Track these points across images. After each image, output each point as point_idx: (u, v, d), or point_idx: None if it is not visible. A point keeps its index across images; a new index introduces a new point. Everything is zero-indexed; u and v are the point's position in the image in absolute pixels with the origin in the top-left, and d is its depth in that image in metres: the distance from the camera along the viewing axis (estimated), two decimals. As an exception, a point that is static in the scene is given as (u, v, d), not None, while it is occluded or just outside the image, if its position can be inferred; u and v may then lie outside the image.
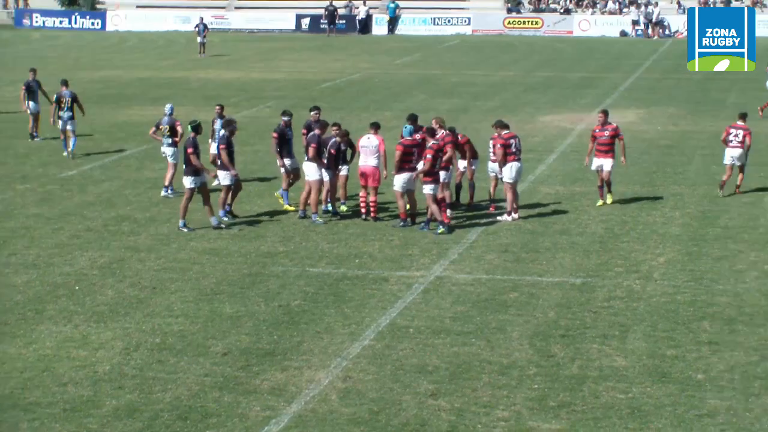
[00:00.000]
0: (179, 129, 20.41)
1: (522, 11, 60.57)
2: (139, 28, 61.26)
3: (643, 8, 57.31)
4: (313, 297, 14.40)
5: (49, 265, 15.90)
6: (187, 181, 17.51)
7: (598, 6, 59.91)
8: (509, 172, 18.12)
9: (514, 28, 58.91)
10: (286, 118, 19.15)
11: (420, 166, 17.51)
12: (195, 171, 17.45)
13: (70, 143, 24.38)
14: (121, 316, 13.62)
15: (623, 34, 56.89)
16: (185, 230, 17.51)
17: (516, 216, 18.25)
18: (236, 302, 14.16)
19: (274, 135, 18.98)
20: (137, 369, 11.87)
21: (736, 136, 20.22)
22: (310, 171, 18.03)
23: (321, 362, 12.06)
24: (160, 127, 20.59)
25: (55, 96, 24.85)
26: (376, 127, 18.53)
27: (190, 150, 17.57)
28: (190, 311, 13.81)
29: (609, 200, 19.29)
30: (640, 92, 35.46)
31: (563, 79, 39.11)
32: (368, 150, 18.08)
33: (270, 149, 19.74)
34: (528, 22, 59.10)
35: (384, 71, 41.95)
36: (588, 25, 58.07)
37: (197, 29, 48.07)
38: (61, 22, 63.43)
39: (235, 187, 18.36)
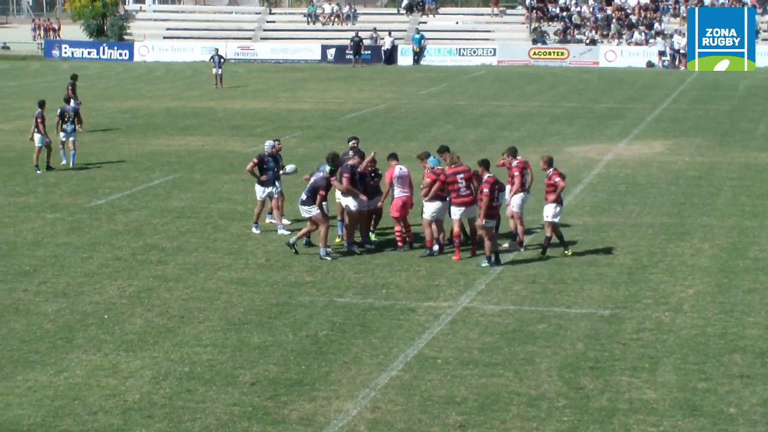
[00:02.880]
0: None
1: (547, 42, 60.73)
2: (166, 59, 61.88)
3: (668, 39, 57.33)
4: (340, 327, 14.43)
5: (78, 294, 16.03)
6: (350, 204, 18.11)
7: (624, 37, 60.00)
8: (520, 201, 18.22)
9: (539, 58, 59.04)
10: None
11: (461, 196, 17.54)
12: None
13: (71, 156, 26.48)
14: (150, 345, 13.70)
15: (650, 64, 56.85)
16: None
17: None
18: (264, 332, 14.21)
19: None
20: (166, 398, 11.93)
21: None
22: (349, 202, 18.15)
23: (349, 393, 12.07)
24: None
25: (59, 110, 26.89)
26: (395, 157, 18.56)
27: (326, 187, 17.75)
28: (218, 341, 13.87)
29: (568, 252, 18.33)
30: (668, 123, 35.39)
31: (589, 110, 39.10)
32: (404, 180, 18.15)
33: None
34: (554, 52, 59.22)
35: (410, 101, 42.10)
36: (614, 55, 58.09)
37: (212, 61, 47.68)
38: (89, 53, 64.18)
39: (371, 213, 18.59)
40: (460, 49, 60.50)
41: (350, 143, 19.43)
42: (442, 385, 12.28)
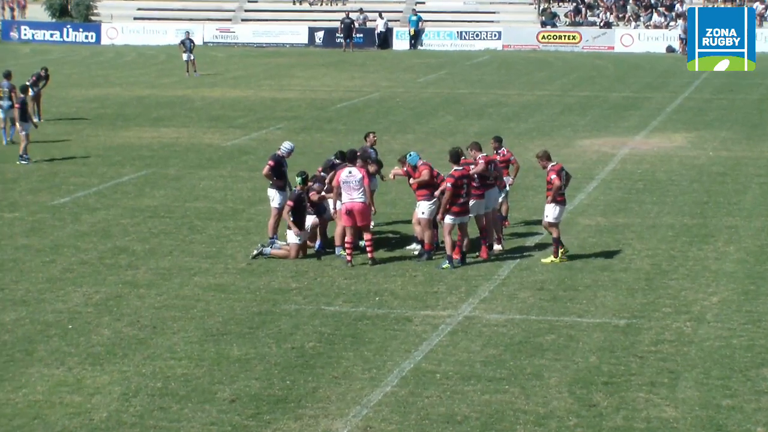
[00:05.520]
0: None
1: (558, 25, 60.78)
2: (137, 42, 61.78)
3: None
4: (329, 338, 14.43)
5: (39, 302, 16.01)
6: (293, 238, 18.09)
7: (641, 19, 60.08)
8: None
9: (549, 43, 59.08)
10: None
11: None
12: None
13: (10, 131, 28.24)
14: (118, 358, 13.69)
15: (670, 50, 56.96)
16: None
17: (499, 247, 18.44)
18: (245, 343, 14.21)
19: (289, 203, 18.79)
20: (137, 417, 11.91)
21: None
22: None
23: (338, 410, 12.07)
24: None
25: None
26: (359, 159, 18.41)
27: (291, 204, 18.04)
28: (195, 353, 13.86)
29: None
30: (690, 114, 35.45)
31: (604, 100, 39.14)
32: (351, 185, 17.80)
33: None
34: (564, 36, 59.26)
35: (406, 90, 42.10)
36: (631, 40, 58.18)
37: (183, 45, 47.46)
38: (52, 35, 64.03)
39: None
40: (461, 32, 60.50)
41: (370, 136, 19.78)
42: (441, 402, 12.28)
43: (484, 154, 18.29)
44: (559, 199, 17.84)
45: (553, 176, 17.73)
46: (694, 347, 14.05)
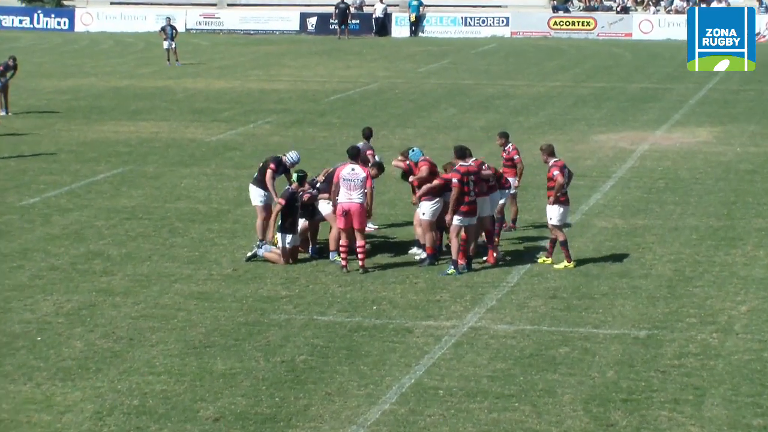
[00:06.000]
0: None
1: (571, 10, 60.83)
2: (114, 29, 61.86)
3: (715, 4, 57.48)
4: (322, 351, 14.38)
5: (5, 311, 15.93)
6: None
7: (662, 4, 60.12)
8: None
9: (561, 29, 59.13)
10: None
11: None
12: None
13: None
14: (92, 373, 13.62)
15: (692, 37, 57.03)
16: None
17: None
18: (230, 357, 14.15)
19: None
20: (111, 437, 11.85)
21: None
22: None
23: (332, 430, 12.01)
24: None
25: None
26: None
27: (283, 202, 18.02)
28: (175, 367, 13.80)
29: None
30: (715, 106, 35.47)
31: (621, 91, 39.15)
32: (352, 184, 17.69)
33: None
34: (578, 22, 59.33)
35: (406, 81, 42.12)
36: (650, 26, 58.25)
37: (163, 32, 47.37)
38: (21, 21, 64.11)
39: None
40: (465, 17, 60.54)
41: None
42: (444, 422, 12.22)
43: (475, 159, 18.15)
44: (562, 199, 17.80)
45: (556, 172, 17.69)
46: (721, 361, 14.00)
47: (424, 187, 17.85)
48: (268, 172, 18.79)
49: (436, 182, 17.76)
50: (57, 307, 16.13)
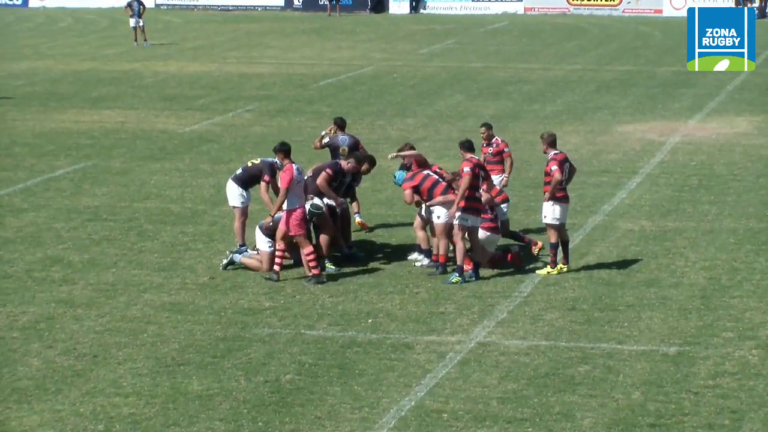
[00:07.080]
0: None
1: (593, -17, 60.87)
2: (73, 4, 61.85)
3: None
4: (310, 370, 14.44)
5: (-47, 325, 16.01)
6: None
7: (696, -25, 60.15)
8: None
9: (582, 5, 59.21)
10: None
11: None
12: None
13: None
14: (50, 395, 13.66)
15: (731, 13, 57.11)
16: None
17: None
18: (207, 376, 14.20)
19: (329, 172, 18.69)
20: (73, 466, 11.95)
21: None
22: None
23: (322, 459, 12.11)
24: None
25: None
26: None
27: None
28: (145, 388, 13.85)
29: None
30: (756, 93, 35.51)
31: (650, 75, 39.19)
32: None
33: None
34: (601, -3, 59.38)
35: (405, 63, 42.12)
36: (682, 1, 58.29)
37: (129, 8, 47.23)
38: (-32, -3, 64.07)
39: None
40: (473, -8, 60.57)
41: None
42: (448, 449, 12.30)
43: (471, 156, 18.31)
44: (559, 195, 17.92)
45: (554, 167, 17.82)
46: (761, 381, 14.06)
47: (440, 198, 17.94)
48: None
49: (450, 197, 17.86)
50: (11, 320, 16.16)
